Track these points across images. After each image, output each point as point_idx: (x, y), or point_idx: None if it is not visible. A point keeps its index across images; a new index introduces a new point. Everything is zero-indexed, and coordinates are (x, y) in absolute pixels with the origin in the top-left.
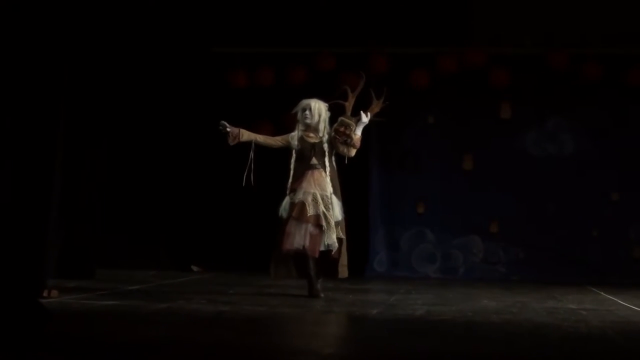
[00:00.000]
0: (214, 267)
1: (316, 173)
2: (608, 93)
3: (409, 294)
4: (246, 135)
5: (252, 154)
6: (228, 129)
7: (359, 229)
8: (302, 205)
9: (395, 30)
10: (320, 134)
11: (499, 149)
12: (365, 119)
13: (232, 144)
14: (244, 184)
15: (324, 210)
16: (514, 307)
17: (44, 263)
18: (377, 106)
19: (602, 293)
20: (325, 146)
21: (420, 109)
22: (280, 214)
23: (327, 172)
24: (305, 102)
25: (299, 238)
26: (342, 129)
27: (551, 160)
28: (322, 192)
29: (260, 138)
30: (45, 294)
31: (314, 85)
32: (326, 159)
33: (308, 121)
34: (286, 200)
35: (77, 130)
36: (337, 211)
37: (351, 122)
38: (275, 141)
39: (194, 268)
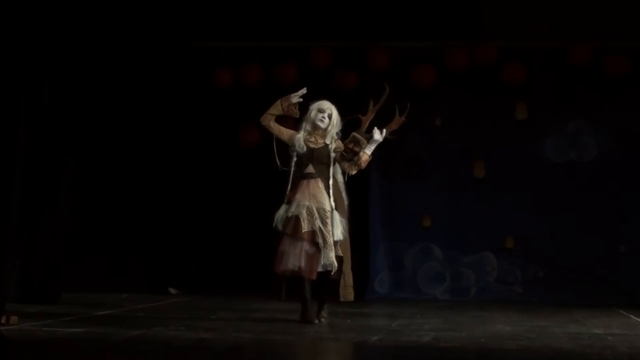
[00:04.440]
0: (193, 289)
1: (312, 183)
2: (636, 91)
3: (414, 318)
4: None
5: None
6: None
7: (357, 245)
8: (296, 220)
9: (397, 22)
10: (327, 141)
11: (514, 155)
12: (378, 136)
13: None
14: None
15: (320, 225)
16: (532, 332)
17: (2, 286)
18: (396, 123)
19: (631, 316)
20: (330, 155)
21: (425, 110)
22: (274, 225)
23: (327, 184)
24: (325, 104)
25: (293, 258)
26: (351, 145)
27: (573, 167)
28: (318, 204)
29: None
30: (3, 320)
31: (306, 84)
32: (331, 169)
33: (321, 124)
34: (283, 210)
35: (40, 142)
36: (337, 231)
37: (363, 139)
38: (281, 133)
39: (172, 291)
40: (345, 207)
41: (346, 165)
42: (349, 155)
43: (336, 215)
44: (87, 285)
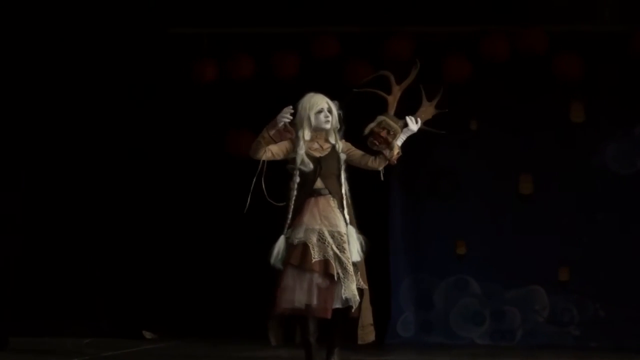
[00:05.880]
0: (172, 333)
1: (321, 201)
2: None
3: None
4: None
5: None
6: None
7: (376, 278)
8: (304, 247)
9: (423, 3)
10: (333, 141)
11: (568, 166)
12: (414, 126)
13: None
14: (246, 207)
15: (337, 251)
16: None
17: None
18: (427, 111)
19: None
20: (340, 160)
21: (458, 111)
22: (272, 264)
23: (340, 199)
24: (319, 100)
25: (300, 294)
26: (383, 132)
27: None
28: (331, 227)
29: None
30: None
31: (309, 79)
32: (342, 179)
33: (327, 125)
34: (281, 242)
35: None
36: (354, 249)
37: (397, 126)
38: (276, 155)
39: (147, 335)
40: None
41: (369, 160)
42: (380, 145)
43: (352, 230)
44: (42, 327)
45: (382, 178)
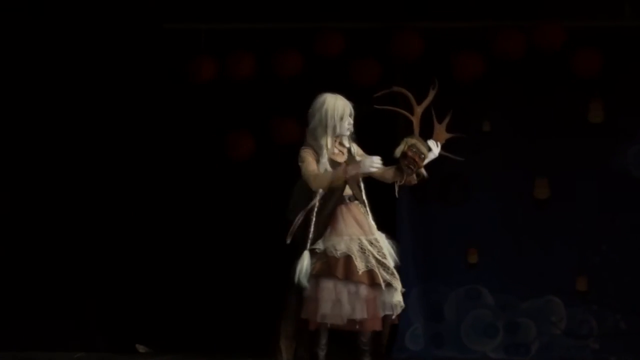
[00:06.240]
0: (167, 347)
1: (353, 208)
2: None
3: None
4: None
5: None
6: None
7: None
8: (347, 259)
9: None
10: (348, 145)
11: (586, 169)
12: (436, 150)
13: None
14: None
15: (379, 258)
16: None
17: None
18: (440, 133)
19: None
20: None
21: (470, 111)
22: (297, 280)
23: (364, 205)
24: (340, 101)
25: (349, 308)
26: (415, 156)
27: None
28: (367, 235)
29: None
30: None
31: (313, 78)
32: (361, 184)
33: (349, 133)
34: (306, 257)
35: None
36: (388, 255)
37: (425, 149)
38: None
39: (140, 348)
40: None
41: (384, 171)
42: (410, 169)
43: (382, 236)
44: (29, 341)
45: (397, 195)
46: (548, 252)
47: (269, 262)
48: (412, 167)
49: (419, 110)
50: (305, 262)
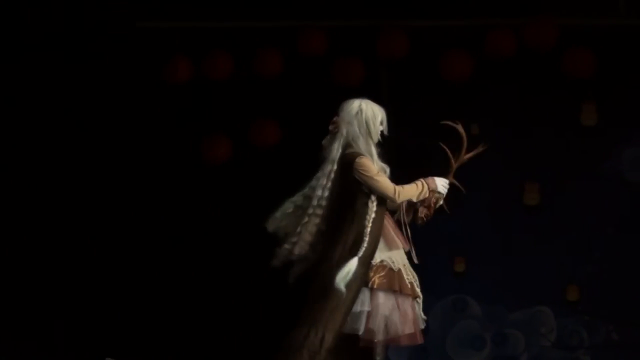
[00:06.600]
0: None
1: (390, 218)
2: None
3: None
4: None
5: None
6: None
7: None
8: (399, 274)
9: None
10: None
11: (579, 174)
12: (445, 191)
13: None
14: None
15: (411, 269)
16: None
17: None
18: (462, 158)
19: None
20: None
21: (458, 113)
22: (337, 283)
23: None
24: (374, 105)
25: (398, 323)
26: (437, 207)
27: None
28: (405, 246)
29: None
30: None
31: (294, 78)
32: None
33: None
34: (354, 264)
35: None
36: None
37: (442, 197)
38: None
39: None
40: None
41: (412, 218)
42: (426, 217)
43: None
44: None
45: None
46: (538, 260)
47: (244, 270)
48: (426, 218)
49: (464, 158)
50: (351, 267)
